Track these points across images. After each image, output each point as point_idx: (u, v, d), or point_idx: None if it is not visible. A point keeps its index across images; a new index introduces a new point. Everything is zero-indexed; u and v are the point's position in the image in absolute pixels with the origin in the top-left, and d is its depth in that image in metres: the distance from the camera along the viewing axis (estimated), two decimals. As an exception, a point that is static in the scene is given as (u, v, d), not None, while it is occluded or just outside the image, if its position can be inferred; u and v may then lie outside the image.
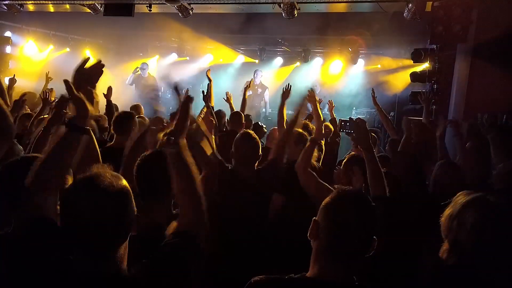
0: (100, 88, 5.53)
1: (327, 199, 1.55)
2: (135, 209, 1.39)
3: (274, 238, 2.88)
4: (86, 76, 1.81)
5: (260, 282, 1.46)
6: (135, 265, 1.37)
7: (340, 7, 6.73)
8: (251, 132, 3.11)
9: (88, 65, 1.83)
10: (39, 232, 1.56)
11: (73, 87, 1.68)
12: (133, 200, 1.38)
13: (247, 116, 5.65)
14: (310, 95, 4.34)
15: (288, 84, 4.52)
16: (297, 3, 6.12)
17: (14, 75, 5.79)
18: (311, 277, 1.47)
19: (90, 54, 11.21)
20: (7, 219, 1.70)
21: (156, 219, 1.94)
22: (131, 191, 1.39)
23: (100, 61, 1.88)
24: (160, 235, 1.57)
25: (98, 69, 1.86)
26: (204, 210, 1.55)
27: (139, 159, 2.15)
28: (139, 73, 10.47)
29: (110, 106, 5.19)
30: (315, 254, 1.51)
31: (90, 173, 1.34)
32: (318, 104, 4.28)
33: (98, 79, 1.87)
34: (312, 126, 4.55)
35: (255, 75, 10.14)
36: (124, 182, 1.38)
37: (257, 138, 3.08)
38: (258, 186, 2.91)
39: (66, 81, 1.70)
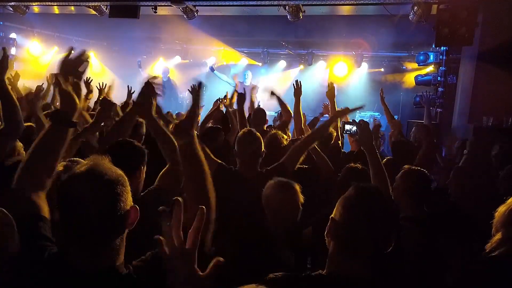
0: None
1: (344, 196, 1.52)
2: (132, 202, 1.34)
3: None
4: (72, 68, 1.73)
5: (275, 279, 1.41)
6: (133, 261, 1.32)
7: (345, 10, 6.72)
8: (253, 130, 3.02)
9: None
10: (26, 228, 1.44)
11: (60, 81, 1.63)
12: (129, 191, 1.33)
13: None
14: (330, 88, 4.29)
15: (297, 80, 4.39)
16: (302, 5, 6.11)
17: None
18: (328, 274, 1.44)
19: (94, 56, 11.28)
20: None
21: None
22: (127, 182, 1.34)
23: (84, 51, 1.79)
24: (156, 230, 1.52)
25: (83, 60, 1.77)
26: (211, 205, 1.50)
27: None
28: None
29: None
30: (332, 251, 1.48)
31: (87, 163, 1.30)
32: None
33: (84, 71, 1.77)
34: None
35: (245, 76, 10.01)
36: (120, 172, 1.35)
37: (259, 135, 2.99)
38: (261, 187, 2.87)
39: (54, 75, 1.67)
